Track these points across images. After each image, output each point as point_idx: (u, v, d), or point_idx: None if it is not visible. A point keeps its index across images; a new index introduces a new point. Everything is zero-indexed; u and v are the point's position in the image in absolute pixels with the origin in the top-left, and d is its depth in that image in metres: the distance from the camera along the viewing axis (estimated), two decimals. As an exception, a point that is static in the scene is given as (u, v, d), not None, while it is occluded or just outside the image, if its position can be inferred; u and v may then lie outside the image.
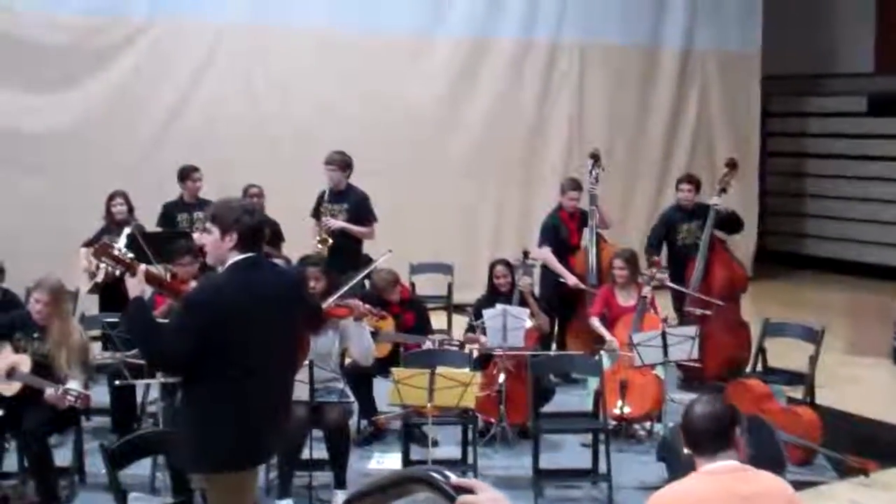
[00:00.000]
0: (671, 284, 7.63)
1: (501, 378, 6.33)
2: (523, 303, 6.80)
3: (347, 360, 6.05)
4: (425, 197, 10.63)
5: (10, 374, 5.47)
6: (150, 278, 3.80)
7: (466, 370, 5.69)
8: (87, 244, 7.55)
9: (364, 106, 10.30)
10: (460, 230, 10.87)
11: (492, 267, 7.05)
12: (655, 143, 12.04)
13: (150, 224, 7.89)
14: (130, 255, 3.78)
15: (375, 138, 10.12)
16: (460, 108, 10.91)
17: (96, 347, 6.17)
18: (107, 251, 3.75)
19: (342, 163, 7.70)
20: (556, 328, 7.90)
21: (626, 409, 6.24)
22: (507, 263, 7.00)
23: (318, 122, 10.04)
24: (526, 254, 7.13)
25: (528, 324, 6.49)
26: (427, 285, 9.17)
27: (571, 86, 11.49)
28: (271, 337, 3.61)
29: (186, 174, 8.09)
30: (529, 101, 11.30)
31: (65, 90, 9.33)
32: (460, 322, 8.18)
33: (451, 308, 8.92)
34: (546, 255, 7.87)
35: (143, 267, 3.75)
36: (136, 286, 3.68)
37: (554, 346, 7.82)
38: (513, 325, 6.33)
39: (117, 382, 5.62)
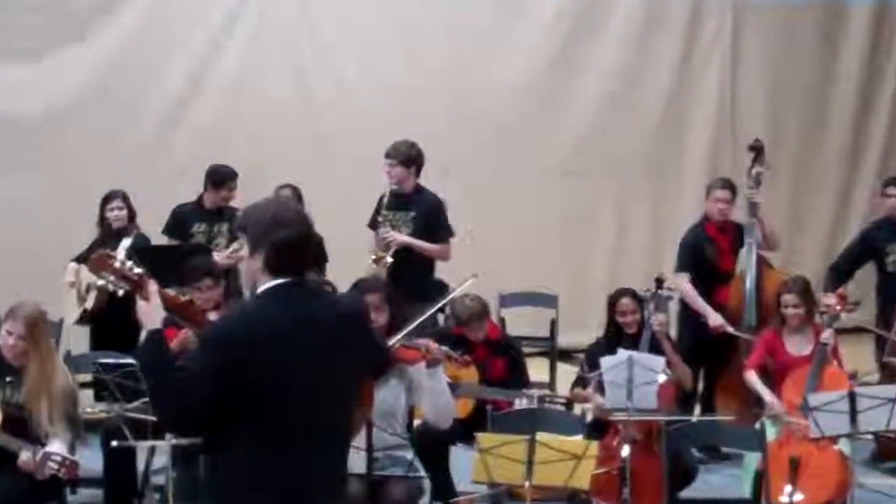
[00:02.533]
0: (873, 328, 7.50)
1: (625, 451, 6.26)
2: (656, 349, 6.72)
3: (417, 421, 6.05)
4: (517, 204, 10.63)
5: (-35, 431, 5.60)
6: (167, 302, 3.82)
7: (578, 438, 5.64)
8: (78, 259, 7.74)
9: (435, 86, 10.36)
10: (566, 249, 10.83)
11: (613, 299, 6.99)
12: (839, 130, 11.85)
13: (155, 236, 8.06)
14: (138, 269, 3.80)
15: (449, 127, 10.17)
16: (564, 87, 10.90)
17: (86, 396, 6.28)
18: (106, 264, 3.77)
19: (407, 156, 7.71)
20: (701, 384, 7.82)
21: (798, 497, 6.11)
22: (633, 295, 6.94)
23: (376, 104, 10.13)
24: (660, 282, 7.05)
25: (663, 377, 6.41)
26: (521, 323, 9.15)
27: (721, 54, 11.39)
28: (319, 387, 3.61)
29: (223, 180, 8.12)
30: (662, 76, 11.23)
31: (39, 60, 9.58)
32: (567, 373, 8.13)
33: (555, 354, 8.89)
34: (683, 284, 7.79)
35: (154, 286, 3.76)
36: (149, 311, 3.70)
37: (697, 408, 7.72)
38: (641, 379, 6.25)
39: (114, 444, 5.70)
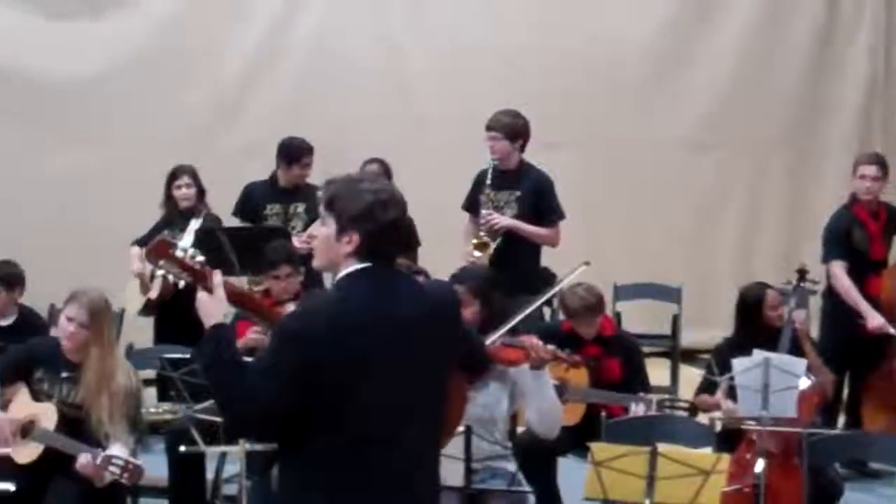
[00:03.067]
0: None
1: (760, 465, 6.19)
2: (796, 350, 6.63)
3: (520, 428, 6.03)
4: (635, 183, 10.56)
5: (27, 431, 5.70)
6: (233, 295, 3.83)
7: (707, 450, 5.59)
8: (140, 242, 7.84)
9: (541, 51, 10.29)
10: (691, 235, 10.74)
11: (750, 292, 6.95)
12: None
13: (225, 215, 8.13)
14: (201, 258, 3.81)
15: (555, 96, 10.10)
16: (690, 48, 10.79)
17: (149, 395, 6.35)
18: (166, 253, 3.79)
19: (512, 129, 7.67)
20: (847, 391, 7.74)
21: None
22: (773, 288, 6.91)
23: (472, 71, 10.10)
24: (803, 273, 6.96)
25: (805, 383, 6.32)
26: (638, 318, 9.10)
27: (876, 5, 11.15)
28: (406, 387, 3.60)
29: (298, 154, 8.17)
30: (803, 33, 11.04)
31: (98, 19, 9.73)
32: (691, 376, 8.07)
33: (678, 354, 8.83)
34: (841, 276, 7.65)
35: (219, 277, 3.78)
36: (212, 306, 3.72)
37: (842, 418, 7.65)
38: (780, 384, 6.17)
39: (182, 449, 5.76)
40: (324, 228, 3.65)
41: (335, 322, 3.52)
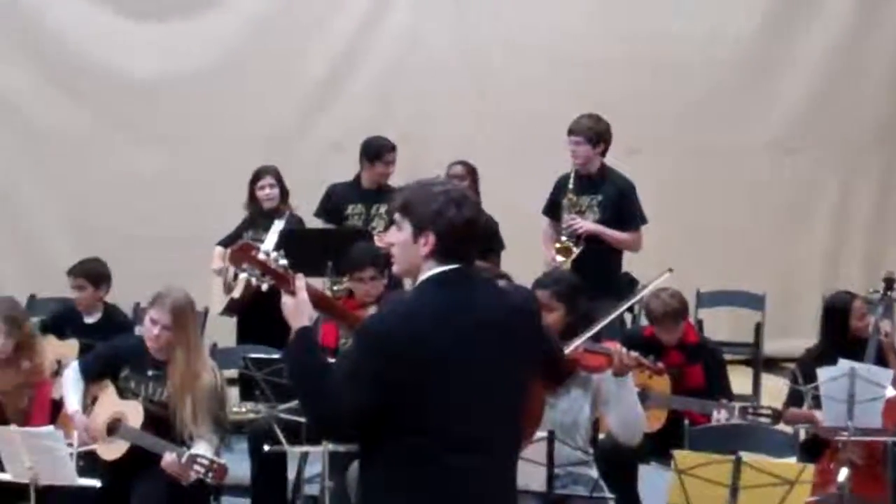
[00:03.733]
0: None
1: (843, 474, 6.12)
2: (880, 360, 6.56)
3: (601, 434, 6.01)
4: (719, 186, 10.45)
5: (113, 429, 5.79)
6: (315, 298, 3.86)
7: (791, 460, 5.53)
8: (224, 243, 7.92)
9: (621, 50, 10.23)
10: (776, 241, 10.62)
11: (837, 302, 6.89)
12: None
13: (309, 216, 8.20)
14: (284, 261, 3.85)
15: (637, 98, 10.04)
16: (781, 50, 10.67)
17: (232, 394, 6.42)
18: (249, 256, 3.81)
19: (595, 133, 7.67)
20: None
21: None
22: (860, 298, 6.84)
23: (554, 73, 10.09)
24: (890, 283, 6.88)
25: (892, 392, 6.25)
26: (721, 326, 9.03)
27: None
28: (487, 391, 3.62)
29: (380, 152, 8.20)
30: (895, 35, 10.85)
31: (186, 17, 9.85)
32: (773, 384, 7.99)
33: (760, 362, 8.75)
34: None
35: (302, 281, 3.81)
36: (296, 309, 3.75)
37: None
38: (865, 394, 6.08)
39: (266, 449, 5.82)
40: (400, 234, 3.67)
41: (416, 325, 3.54)
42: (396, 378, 3.47)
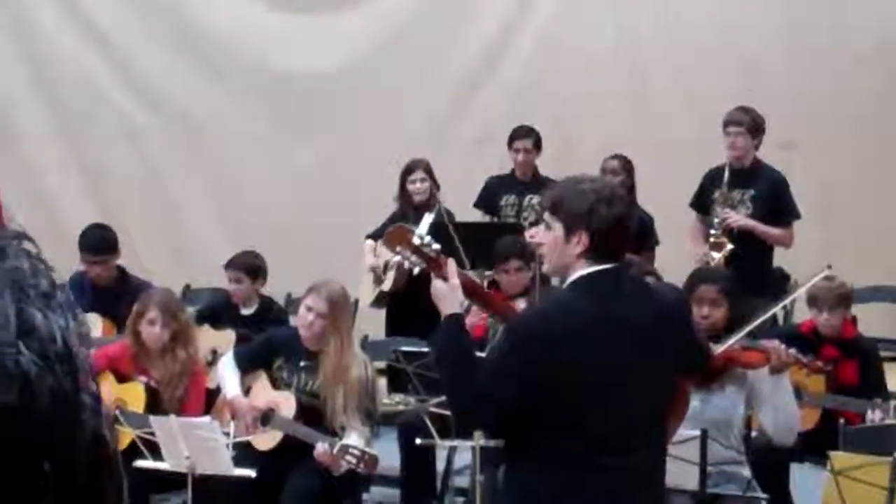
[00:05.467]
0: None
1: None
2: None
3: (754, 432, 5.90)
4: (873, 182, 10.13)
5: (267, 418, 5.85)
6: (467, 285, 3.84)
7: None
8: (374, 236, 7.96)
9: (774, 36, 9.99)
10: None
11: None
12: None
13: (460, 211, 8.18)
14: (437, 246, 3.83)
15: (794, 90, 9.78)
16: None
17: (381, 386, 6.44)
18: (404, 239, 3.82)
19: (752, 125, 7.53)
20: None
21: None
22: None
23: (709, 62, 9.90)
24: None
25: None
26: (876, 322, 8.78)
27: None
28: (636, 392, 3.56)
29: (512, 138, 8.28)
30: None
31: (338, 11, 9.91)
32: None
33: (916, 360, 8.50)
34: None
35: (454, 266, 3.79)
36: (447, 294, 3.73)
37: None
38: None
39: (418, 442, 5.82)
40: (550, 233, 3.64)
41: (569, 326, 3.51)
42: (544, 377, 3.45)
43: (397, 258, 3.87)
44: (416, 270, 3.83)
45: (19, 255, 0.67)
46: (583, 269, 3.57)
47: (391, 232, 3.89)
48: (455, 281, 3.73)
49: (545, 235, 3.68)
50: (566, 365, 3.46)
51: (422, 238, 3.81)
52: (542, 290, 6.52)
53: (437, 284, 3.73)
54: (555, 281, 5.01)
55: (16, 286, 0.65)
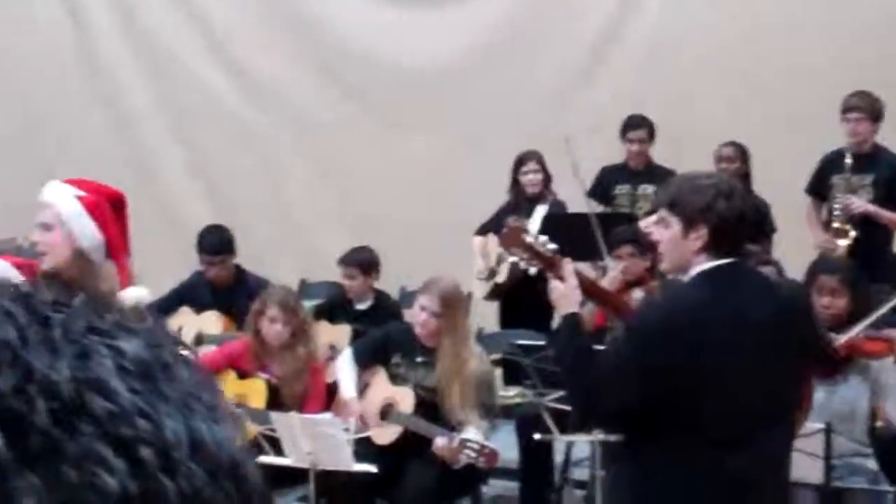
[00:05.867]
0: None
1: None
2: None
3: (878, 423, 5.80)
4: None
5: (386, 414, 5.89)
6: (584, 284, 3.84)
7: None
8: (484, 228, 7.98)
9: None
10: None
11: None
12: None
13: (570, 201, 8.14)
14: (552, 246, 3.83)
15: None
16: None
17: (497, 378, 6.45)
18: (520, 239, 3.84)
19: (872, 110, 7.39)
20: None
21: None
22: None
23: (821, 49, 9.69)
24: None
25: None
26: None
27: None
28: (762, 388, 3.52)
29: (625, 128, 8.27)
30: None
31: (449, 4, 9.92)
32: None
33: None
34: None
35: (570, 266, 3.79)
36: (564, 294, 3.74)
37: None
38: None
39: (537, 437, 5.81)
40: (668, 230, 3.61)
41: (691, 322, 3.49)
42: (665, 374, 3.44)
43: (514, 259, 3.87)
44: (533, 270, 3.84)
45: (181, 366, 0.68)
46: (703, 265, 3.55)
47: (506, 233, 3.92)
48: (572, 281, 3.73)
49: (662, 233, 3.65)
50: (687, 361, 3.44)
51: (536, 238, 3.82)
52: (660, 282, 6.48)
53: (554, 285, 3.75)
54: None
55: (185, 401, 0.65)
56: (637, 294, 6.27)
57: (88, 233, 4.60)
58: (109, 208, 4.88)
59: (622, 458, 3.90)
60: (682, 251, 3.59)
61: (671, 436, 3.51)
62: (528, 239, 3.83)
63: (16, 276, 5.32)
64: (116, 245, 4.83)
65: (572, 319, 3.71)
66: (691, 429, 3.49)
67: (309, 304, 7.27)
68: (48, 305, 0.64)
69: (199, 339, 7.00)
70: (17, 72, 10.19)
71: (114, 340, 0.64)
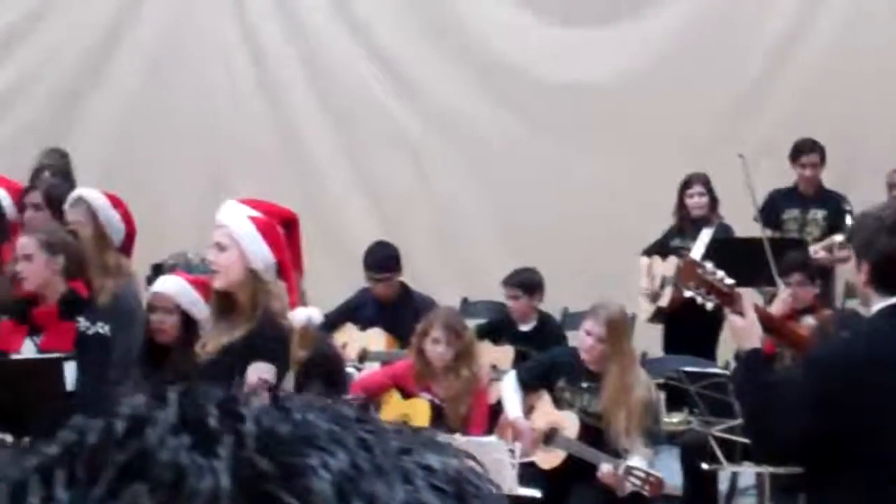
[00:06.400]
0: None
1: None
2: None
3: None
4: None
5: (550, 438, 5.86)
6: (763, 318, 3.81)
7: None
8: (649, 251, 7.92)
9: None
10: None
11: None
12: None
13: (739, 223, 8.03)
14: (730, 280, 3.81)
15: None
16: None
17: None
18: (696, 275, 3.83)
19: None
20: None
21: None
22: None
23: None
24: None
25: None
26: None
27: None
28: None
29: (795, 153, 8.08)
30: None
31: (608, 22, 9.87)
32: None
33: None
34: None
35: (749, 299, 3.78)
36: (745, 329, 3.70)
37: None
38: None
39: (705, 466, 5.74)
40: (851, 262, 3.63)
41: (874, 363, 3.45)
42: (844, 408, 3.41)
43: (690, 293, 3.85)
44: (710, 306, 3.82)
45: (389, 436, 0.67)
46: (879, 302, 3.51)
47: (682, 268, 3.92)
48: (752, 315, 3.70)
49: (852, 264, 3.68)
50: (867, 399, 3.40)
51: (713, 273, 3.80)
52: (834, 312, 6.38)
53: (733, 319, 3.72)
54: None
55: (404, 473, 0.65)
56: (807, 321, 6.17)
57: (260, 254, 4.71)
58: (281, 229, 4.98)
59: (797, 491, 3.84)
60: (858, 285, 3.58)
61: (851, 470, 3.46)
62: (706, 274, 3.80)
63: (191, 293, 5.47)
64: (287, 265, 4.93)
65: (755, 356, 3.67)
66: (873, 465, 3.44)
67: (471, 323, 7.30)
68: (362, 426, 0.65)
69: (363, 356, 7.07)
70: (197, 89, 10.38)
71: (423, 458, 0.65)
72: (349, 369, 6.62)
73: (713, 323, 6.57)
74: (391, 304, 7.28)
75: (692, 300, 3.98)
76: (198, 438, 0.60)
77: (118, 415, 0.61)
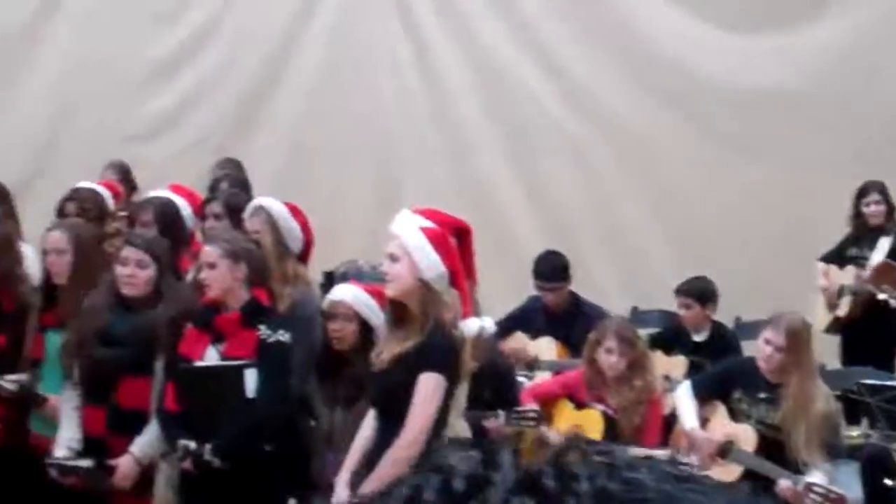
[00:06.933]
0: None
1: None
2: None
3: None
4: None
5: (726, 451, 5.75)
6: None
7: None
8: (827, 258, 7.75)
9: None
10: None
11: None
12: None
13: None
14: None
15: None
16: None
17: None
18: (890, 277, 3.73)
19: None
20: None
21: None
22: None
23: None
24: None
25: None
26: None
27: None
28: None
29: None
30: None
31: (784, 29, 9.68)
32: None
33: None
34: None
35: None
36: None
37: None
38: None
39: (888, 482, 5.59)
40: None
41: None
42: None
43: (883, 296, 3.75)
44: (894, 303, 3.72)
45: (718, 495, 0.66)
46: None
47: (878, 268, 3.80)
48: None
49: None
50: None
51: None
52: None
53: None
54: None
55: None
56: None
57: (432, 264, 4.75)
58: (453, 239, 5.01)
59: None
60: None
61: None
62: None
63: (368, 301, 5.54)
64: (459, 275, 4.95)
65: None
66: None
67: (641, 332, 7.22)
68: (690, 485, 0.64)
69: (533, 365, 7.05)
70: (366, 97, 10.46)
71: (696, 486, 0.64)
72: (519, 378, 6.62)
73: (893, 333, 6.40)
74: (561, 313, 7.25)
75: (872, 309, 3.88)
76: (539, 500, 0.60)
77: (453, 472, 0.61)
